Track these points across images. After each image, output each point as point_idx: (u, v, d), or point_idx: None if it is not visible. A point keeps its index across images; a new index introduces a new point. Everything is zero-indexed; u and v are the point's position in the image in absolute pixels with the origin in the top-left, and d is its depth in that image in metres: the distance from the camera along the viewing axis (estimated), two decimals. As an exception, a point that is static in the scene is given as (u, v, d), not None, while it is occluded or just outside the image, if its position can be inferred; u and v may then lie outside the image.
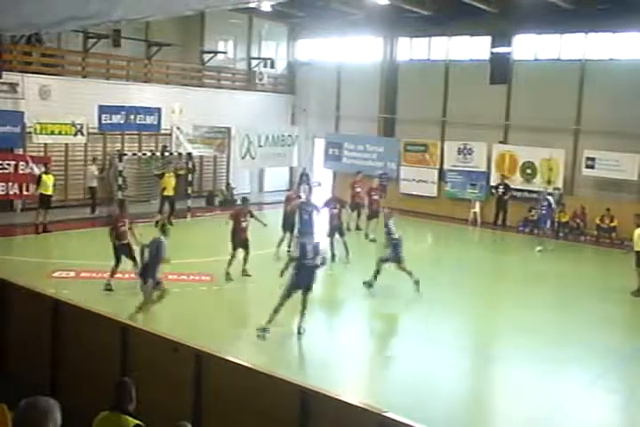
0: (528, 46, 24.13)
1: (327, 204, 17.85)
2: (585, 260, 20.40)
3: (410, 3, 24.59)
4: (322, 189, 26.50)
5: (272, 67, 29.73)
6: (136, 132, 24.38)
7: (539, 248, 19.93)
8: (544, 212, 20.36)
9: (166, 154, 23.62)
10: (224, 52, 28.65)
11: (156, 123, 23.97)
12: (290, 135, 28.06)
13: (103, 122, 22.53)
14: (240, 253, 15.16)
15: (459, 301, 14.68)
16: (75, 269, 15.14)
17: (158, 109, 23.87)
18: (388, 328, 13.51)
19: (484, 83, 22.44)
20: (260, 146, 26.83)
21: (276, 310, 11.44)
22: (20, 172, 20.11)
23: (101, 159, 23.54)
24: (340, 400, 5.79)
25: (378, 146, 27.20)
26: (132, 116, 23.29)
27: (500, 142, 24.71)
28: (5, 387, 7.16)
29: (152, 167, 23.24)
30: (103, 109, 22.45)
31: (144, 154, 23.55)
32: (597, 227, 21.67)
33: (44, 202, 19.22)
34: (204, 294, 14.13)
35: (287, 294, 11.59)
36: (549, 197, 20.52)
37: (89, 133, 22.34)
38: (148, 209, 21.66)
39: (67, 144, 22.42)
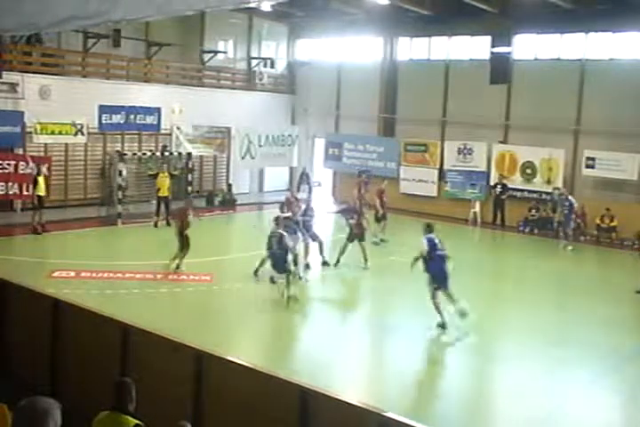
0: (528, 46, 24.12)
1: (343, 212, 17.48)
2: (585, 260, 20.39)
3: (410, 2, 24.59)
4: (322, 188, 26.46)
5: (272, 67, 29.72)
6: (136, 132, 24.36)
7: (570, 247, 20.09)
8: (566, 212, 20.33)
9: (166, 154, 23.60)
10: (224, 52, 28.66)
11: (155, 123, 23.96)
12: (290, 135, 28.05)
13: (103, 122, 22.53)
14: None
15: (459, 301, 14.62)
16: (75, 269, 15.11)
17: (158, 109, 23.85)
18: (387, 328, 13.48)
19: (484, 83, 22.42)
20: (260, 146, 26.83)
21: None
22: (20, 172, 20.09)
23: (101, 159, 23.55)
24: (340, 400, 5.79)
25: (378, 146, 27.20)
26: (132, 116, 23.29)
27: (500, 142, 24.71)
28: (5, 387, 7.15)
29: (147, 168, 23.16)
30: (103, 109, 22.45)
31: (144, 154, 23.54)
32: (597, 227, 21.66)
33: (39, 202, 19.24)
34: (205, 294, 14.12)
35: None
36: (570, 198, 20.50)
37: (89, 133, 22.33)
38: (148, 209, 21.63)
39: (67, 144, 22.42)
